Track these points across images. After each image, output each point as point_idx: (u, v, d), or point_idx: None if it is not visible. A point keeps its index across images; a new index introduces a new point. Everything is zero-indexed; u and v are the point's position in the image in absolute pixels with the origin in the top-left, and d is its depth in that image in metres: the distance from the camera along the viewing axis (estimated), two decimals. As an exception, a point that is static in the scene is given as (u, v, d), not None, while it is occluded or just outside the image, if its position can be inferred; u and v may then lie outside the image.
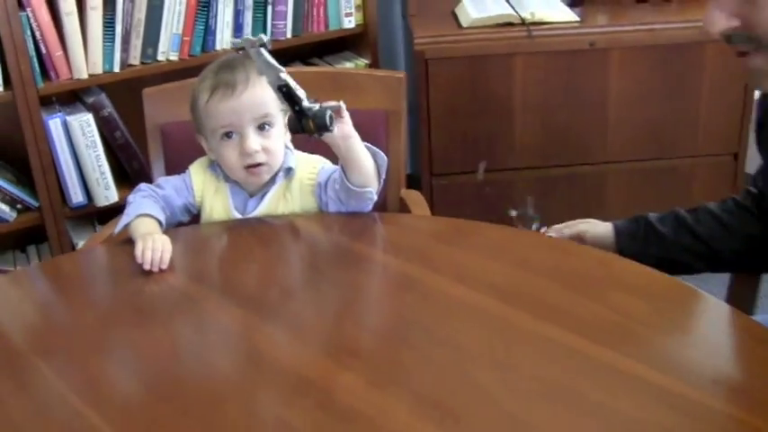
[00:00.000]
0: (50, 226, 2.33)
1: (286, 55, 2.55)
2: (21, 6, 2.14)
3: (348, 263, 1.41)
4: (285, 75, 1.36)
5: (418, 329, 1.19)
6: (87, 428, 1.02)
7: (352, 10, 2.51)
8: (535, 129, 2.52)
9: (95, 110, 2.31)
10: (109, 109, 2.33)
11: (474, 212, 2.62)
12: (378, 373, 1.11)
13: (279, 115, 1.54)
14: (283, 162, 1.57)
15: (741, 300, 1.53)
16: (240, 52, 1.38)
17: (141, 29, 2.28)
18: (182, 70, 2.32)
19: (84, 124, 2.27)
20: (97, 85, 2.33)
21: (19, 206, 2.32)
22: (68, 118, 2.25)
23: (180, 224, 1.60)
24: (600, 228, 1.54)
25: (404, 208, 1.81)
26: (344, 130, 1.42)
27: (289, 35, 2.45)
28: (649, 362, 1.06)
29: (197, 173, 1.61)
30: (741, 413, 0.98)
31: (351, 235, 1.50)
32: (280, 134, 1.55)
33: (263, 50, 1.34)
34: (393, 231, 1.52)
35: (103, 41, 2.24)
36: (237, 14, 2.37)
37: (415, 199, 1.82)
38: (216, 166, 1.60)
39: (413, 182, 2.78)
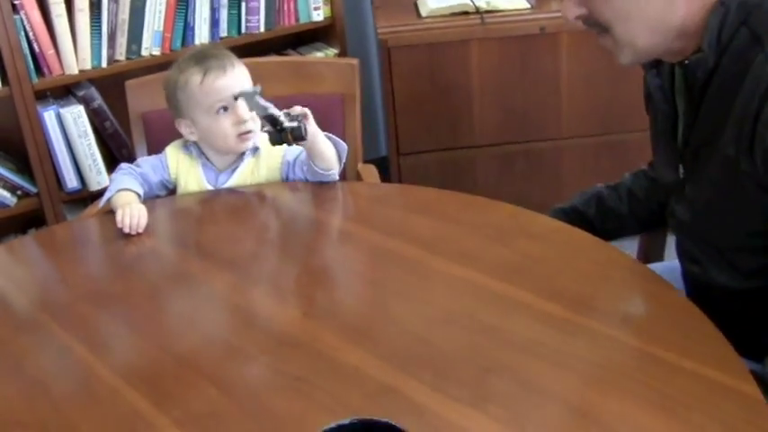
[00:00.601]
0: (48, 209, 2.55)
1: (261, 47, 2.77)
2: (15, 10, 2.35)
3: (303, 224, 1.63)
4: (272, 109, 1.60)
5: (352, 273, 1.42)
6: (94, 377, 1.21)
7: (320, 4, 2.72)
8: (493, 109, 2.73)
9: (86, 102, 2.52)
10: (98, 101, 2.55)
11: (438, 186, 2.84)
12: (315, 308, 1.32)
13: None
14: None
15: (651, 251, 1.75)
16: (239, 98, 1.68)
17: (126, 27, 2.49)
18: (164, 64, 2.52)
19: (76, 116, 2.48)
20: (87, 80, 2.55)
21: (19, 192, 2.54)
22: (62, 110, 2.47)
23: (157, 197, 1.82)
24: None
25: (359, 179, 2.03)
26: (310, 131, 1.65)
27: (262, 29, 2.66)
28: (540, 293, 1.28)
29: (172, 153, 1.83)
30: (617, 333, 1.18)
31: (306, 200, 1.73)
32: None
33: (257, 96, 1.61)
34: (343, 196, 1.74)
35: (91, 40, 2.46)
36: (214, 11, 2.58)
37: (369, 171, 2.04)
38: (190, 147, 1.82)
39: (378, 164, 2.99)
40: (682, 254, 1.44)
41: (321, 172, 1.72)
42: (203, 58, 1.77)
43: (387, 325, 1.26)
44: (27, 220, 2.66)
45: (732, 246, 1.32)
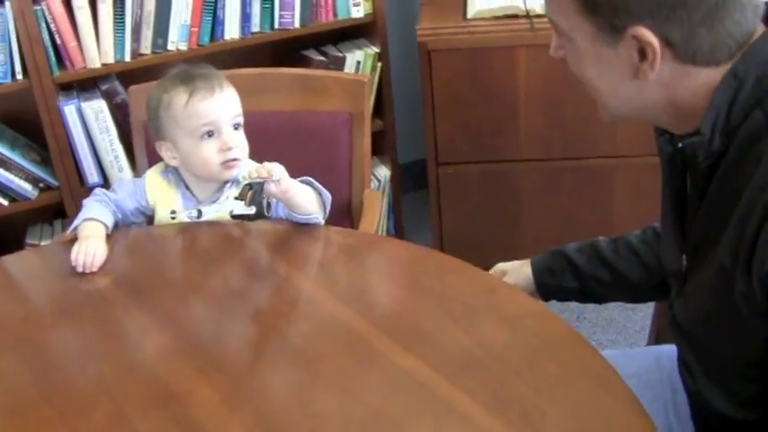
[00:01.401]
0: (69, 204, 2.49)
1: (297, 42, 2.62)
2: (35, 1, 2.27)
3: (259, 277, 1.50)
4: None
5: (289, 349, 1.27)
6: None
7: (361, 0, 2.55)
8: (540, 122, 2.52)
9: (109, 97, 2.44)
10: (122, 96, 2.45)
11: (478, 200, 2.67)
12: (233, 390, 1.19)
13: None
14: None
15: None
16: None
17: (151, 20, 2.38)
18: (191, 59, 2.42)
19: (97, 111, 2.40)
20: (116, 74, 2.46)
21: (41, 185, 2.49)
22: (83, 105, 2.39)
23: (133, 224, 1.71)
24: (517, 264, 1.55)
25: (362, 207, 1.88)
26: (283, 188, 1.52)
27: (297, 24, 2.51)
28: (486, 402, 1.11)
29: (151, 178, 1.72)
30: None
31: (273, 247, 1.58)
32: (245, 135, 1.68)
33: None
34: (314, 247, 1.58)
35: (114, 33, 2.36)
36: (245, 5, 2.44)
37: (372, 200, 1.88)
38: (168, 172, 1.71)
39: (416, 169, 2.83)
40: (678, 356, 1.24)
41: (300, 217, 1.59)
42: (190, 78, 1.65)
43: (304, 422, 1.12)
44: (48, 213, 2.61)
45: (725, 367, 1.11)
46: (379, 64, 2.64)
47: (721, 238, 1.03)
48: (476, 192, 2.65)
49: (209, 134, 1.63)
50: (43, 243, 2.56)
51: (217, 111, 1.63)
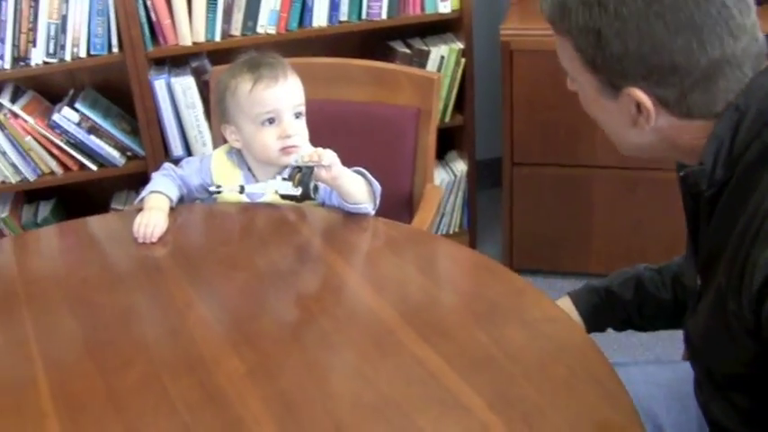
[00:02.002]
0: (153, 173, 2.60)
1: (384, 34, 2.67)
2: (135, -22, 2.39)
3: (304, 259, 1.55)
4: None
5: (315, 330, 1.33)
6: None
7: (449, -6, 2.58)
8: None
9: (198, 74, 2.54)
10: (210, 74, 2.55)
11: (551, 203, 2.67)
12: (259, 365, 1.25)
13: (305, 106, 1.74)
14: None
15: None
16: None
17: (243, 3, 2.47)
18: (279, 42, 2.51)
19: (185, 86, 2.51)
20: (206, 52, 2.56)
21: (129, 153, 2.62)
22: (172, 80, 2.50)
23: (198, 200, 1.80)
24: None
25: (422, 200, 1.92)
26: (333, 174, 1.58)
27: (384, 16, 2.56)
28: (491, 399, 1.14)
29: (217, 158, 1.80)
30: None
31: (321, 234, 1.64)
32: (305, 124, 1.73)
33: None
34: (360, 237, 1.63)
35: (207, 13, 2.46)
36: (334, -6, 2.51)
37: (433, 194, 1.92)
38: (233, 154, 1.78)
39: (494, 166, 2.84)
40: (694, 374, 1.25)
41: (351, 206, 1.64)
42: (256, 66, 1.72)
43: (317, 401, 1.17)
44: (138, 180, 2.73)
45: (725, 382, 1.13)
46: (463, 60, 2.67)
47: (720, 260, 1.06)
48: (549, 194, 2.66)
49: (271, 121, 1.69)
50: (127, 208, 2.69)
51: (279, 99, 1.69)
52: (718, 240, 1.07)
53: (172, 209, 1.70)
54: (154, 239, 1.59)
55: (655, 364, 1.52)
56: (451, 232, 2.92)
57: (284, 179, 1.60)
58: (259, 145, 1.71)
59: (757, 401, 1.08)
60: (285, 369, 1.24)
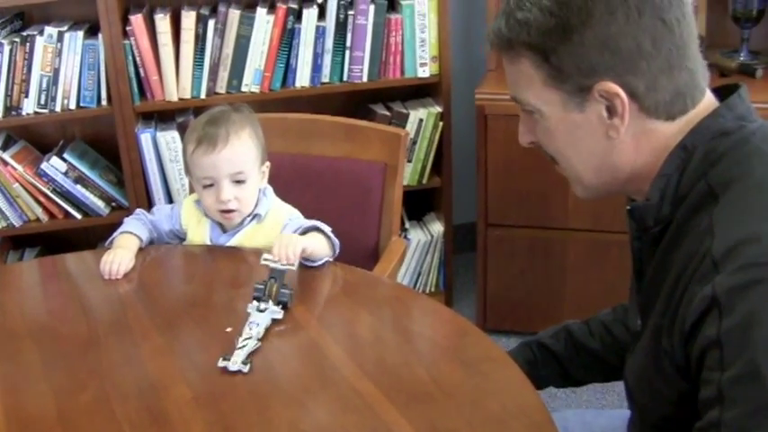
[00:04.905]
0: (136, 224, 2.67)
1: (365, 96, 2.77)
2: (125, 35, 2.49)
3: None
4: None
5: (263, 362, 1.38)
6: None
7: (428, 60, 2.67)
8: (588, 193, 2.57)
9: (183, 129, 2.62)
10: (196, 129, 2.64)
11: (524, 265, 2.73)
12: (204, 391, 1.30)
13: (253, 170, 1.77)
14: (254, 208, 1.80)
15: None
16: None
17: (228, 62, 2.57)
18: (261, 102, 2.60)
19: (169, 140, 2.60)
20: (192, 108, 2.66)
21: (113, 204, 2.69)
22: (158, 134, 2.59)
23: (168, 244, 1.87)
24: None
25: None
26: (304, 251, 1.60)
27: (365, 79, 2.66)
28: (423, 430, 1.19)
29: (186, 206, 1.88)
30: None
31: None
32: (253, 186, 1.78)
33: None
34: (315, 279, 1.66)
35: (193, 71, 2.56)
36: (317, 56, 2.61)
37: (396, 247, 1.97)
38: (199, 202, 1.85)
39: (473, 230, 2.90)
40: (630, 416, 1.29)
41: (313, 264, 1.67)
42: (206, 124, 1.76)
43: (257, 425, 1.22)
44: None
45: (654, 423, 1.16)
46: (441, 123, 2.75)
47: (657, 300, 1.09)
48: (523, 256, 2.72)
49: (211, 184, 1.75)
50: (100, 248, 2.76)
51: (215, 167, 1.73)
52: (658, 280, 1.10)
53: (141, 249, 1.76)
54: (119, 276, 1.66)
55: (592, 411, 1.55)
56: (428, 292, 2.96)
57: (258, 299, 1.50)
58: (204, 203, 1.79)
59: None
60: (228, 395, 1.29)
